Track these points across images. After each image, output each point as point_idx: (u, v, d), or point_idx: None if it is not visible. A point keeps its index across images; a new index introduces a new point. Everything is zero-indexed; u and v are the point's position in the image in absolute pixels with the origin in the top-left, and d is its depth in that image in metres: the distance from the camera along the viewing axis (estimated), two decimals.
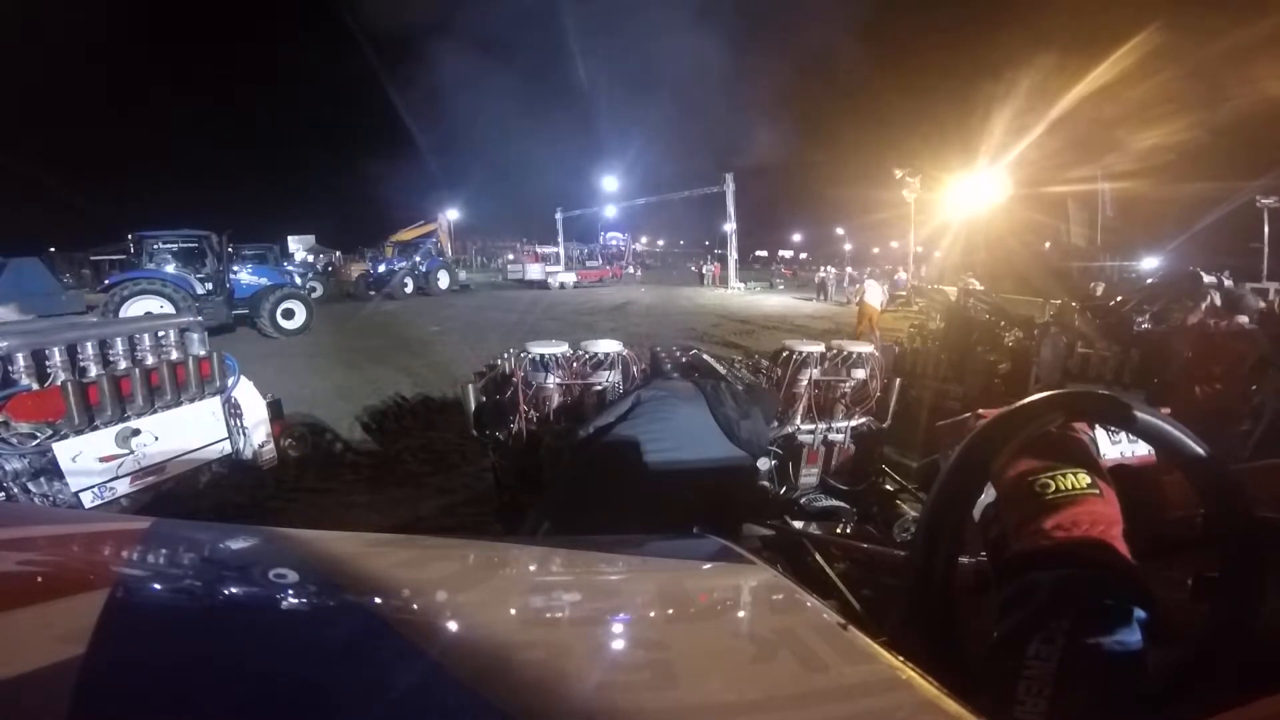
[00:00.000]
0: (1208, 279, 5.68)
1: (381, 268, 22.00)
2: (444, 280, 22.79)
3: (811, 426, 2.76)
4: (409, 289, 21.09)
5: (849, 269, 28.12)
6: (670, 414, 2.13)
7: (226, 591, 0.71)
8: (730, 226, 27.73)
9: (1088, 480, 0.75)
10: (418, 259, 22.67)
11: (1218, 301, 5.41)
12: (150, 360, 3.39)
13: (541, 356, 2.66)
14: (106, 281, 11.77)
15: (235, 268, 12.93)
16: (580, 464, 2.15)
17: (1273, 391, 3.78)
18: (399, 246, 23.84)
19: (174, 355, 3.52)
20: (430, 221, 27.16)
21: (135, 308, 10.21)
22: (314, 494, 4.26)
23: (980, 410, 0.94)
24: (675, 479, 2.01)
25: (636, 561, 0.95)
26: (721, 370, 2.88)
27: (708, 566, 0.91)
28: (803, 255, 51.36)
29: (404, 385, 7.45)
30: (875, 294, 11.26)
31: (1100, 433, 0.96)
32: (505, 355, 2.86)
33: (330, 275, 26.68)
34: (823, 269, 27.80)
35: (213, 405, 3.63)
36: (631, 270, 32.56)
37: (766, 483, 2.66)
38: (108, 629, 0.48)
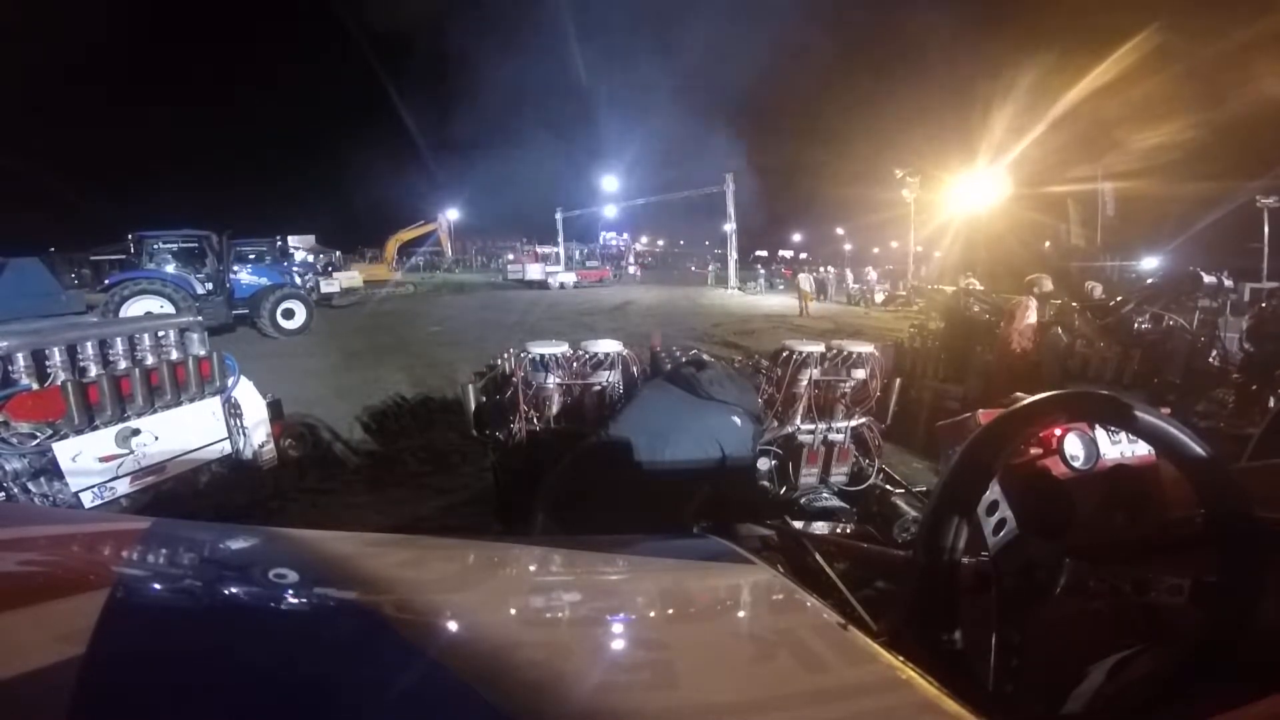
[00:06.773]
0: (1208, 279, 5.65)
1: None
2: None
3: (811, 426, 2.76)
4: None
5: (839, 269, 29.31)
6: (670, 406, 2.15)
7: (226, 591, 0.71)
8: (730, 226, 27.69)
9: None
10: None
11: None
12: (150, 360, 3.38)
13: (541, 356, 2.66)
14: (106, 281, 11.73)
15: (235, 268, 12.91)
16: (581, 460, 2.16)
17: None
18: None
19: (174, 355, 3.51)
20: (430, 221, 27.21)
21: (135, 308, 10.20)
22: (314, 494, 4.25)
23: (980, 410, 0.94)
24: (675, 476, 2.02)
25: (636, 561, 0.95)
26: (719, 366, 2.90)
27: (708, 566, 0.91)
28: (803, 255, 51.36)
29: (403, 385, 7.45)
30: (806, 283, 19.36)
31: (1100, 433, 0.95)
32: (505, 355, 2.86)
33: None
34: (759, 268, 34.05)
35: (213, 405, 3.62)
36: (631, 270, 32.47)
37: (766, 483, 2.67)
38: (108, 629, 0.48)
